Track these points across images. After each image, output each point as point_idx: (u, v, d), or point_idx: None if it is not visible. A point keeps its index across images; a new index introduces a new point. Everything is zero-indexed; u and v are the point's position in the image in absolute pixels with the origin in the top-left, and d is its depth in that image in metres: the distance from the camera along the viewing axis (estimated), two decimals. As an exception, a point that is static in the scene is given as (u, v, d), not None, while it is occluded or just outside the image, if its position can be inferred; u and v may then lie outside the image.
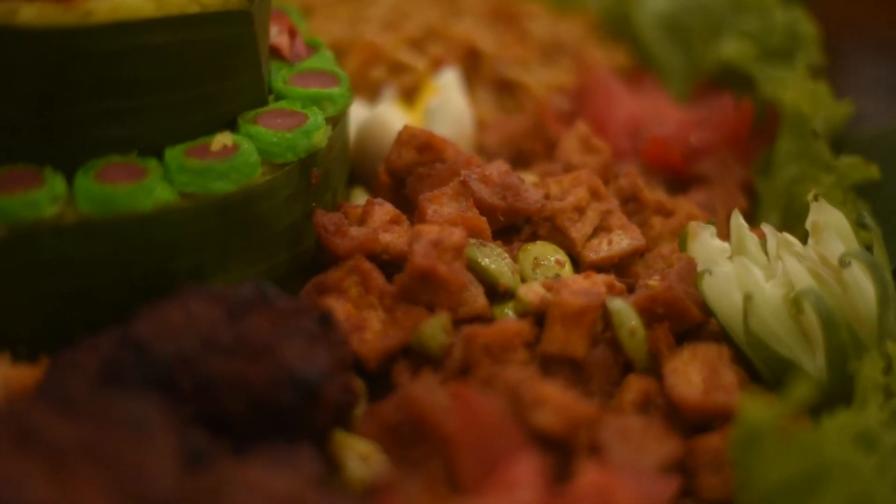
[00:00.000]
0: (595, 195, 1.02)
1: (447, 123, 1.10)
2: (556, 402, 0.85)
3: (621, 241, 1.00)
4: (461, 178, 0.99)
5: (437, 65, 1.21)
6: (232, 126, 0.96)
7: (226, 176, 0.91)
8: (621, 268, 1.01)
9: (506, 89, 1.24)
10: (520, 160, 1.13)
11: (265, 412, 0.84)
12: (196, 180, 0.90)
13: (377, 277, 0.95)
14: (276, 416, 0.84)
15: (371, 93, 1.20)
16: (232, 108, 0.96)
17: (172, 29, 0.90)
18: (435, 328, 0.91)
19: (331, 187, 1.01)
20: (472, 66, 1.23)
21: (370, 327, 0.92)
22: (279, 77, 1.02)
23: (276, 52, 1.06)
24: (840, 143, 1.17)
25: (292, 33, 1.07)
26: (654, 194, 1.08)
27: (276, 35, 1.07)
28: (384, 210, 0.97)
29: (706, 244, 0.97)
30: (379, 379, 0.93)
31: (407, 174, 1.04)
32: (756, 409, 0.77)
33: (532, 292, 0.93)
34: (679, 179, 1.16)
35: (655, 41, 1.34)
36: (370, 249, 0.95)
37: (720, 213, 1.08)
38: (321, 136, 0.97)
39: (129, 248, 0.89)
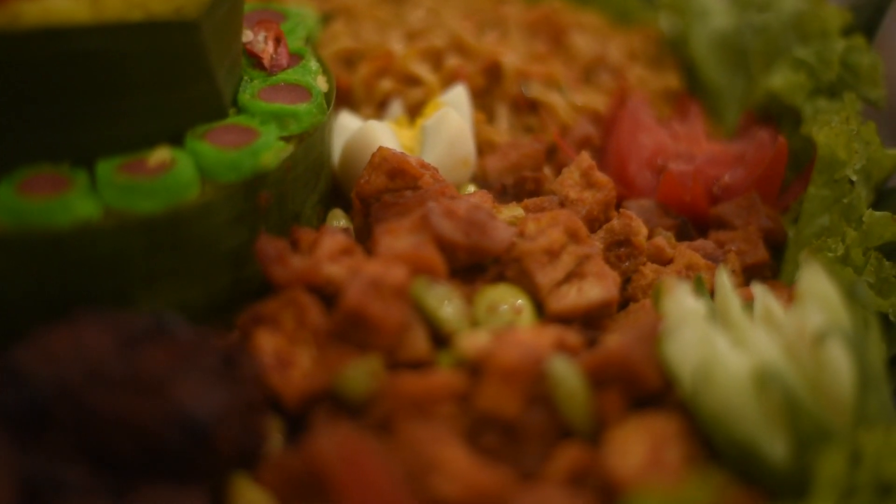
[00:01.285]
0: (574, 237, 0.94)
1: (441, 144, 1.04)
2: (455, 468, 0.78)
3: (591, 290, 0.92)
4: (423, 211, 0.92)
5: (452, 79, 1.14)
6: (178, 140, 0.90)
7: (155, 194, 0.87)
8: (592, 320, 0.92)
9: (530, 110, 1.16)
10: (521, 190, 1.05)
11: (152, 452, 0.80)
12: (122, 197, 0.87)
13: (314, 312, 0.89)
14: (163, 456, 0.80)
15: (379, 105, 1.13)
16: (179, 121, 0.92)
17: (108, 37, 0.87)
18: (358, 373, 0.85)
19: (290, 210, 0.96)
20: (495, 82, 1.15)
21: (299, 365, 0.87)
22: (249, 89, 0.98)
23: (256, 61, 1.01)
24: (885, 195, 1.05)
25: (278, 41, 1.02)
26: (655, 239, 0.99)
27: (260, 42, 1.02)
28: (334, 240, 0.92)
29: (680, 302, 0.87)
30: (302, 420, 0.87)
31: (374, 200, 0.97)
32: (646, 498, 0.69)
33: (471, 341, 0.86)
34: (699, 221, 1.06)
35: (710, 63, 1.24)
36: (311, 281, 0.90)
37: (731, 263, 0.98)
38: (271, 157, 0.92)
39: (44, 264, 0.86)
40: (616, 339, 0.87)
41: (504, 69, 1.15)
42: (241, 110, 0.97)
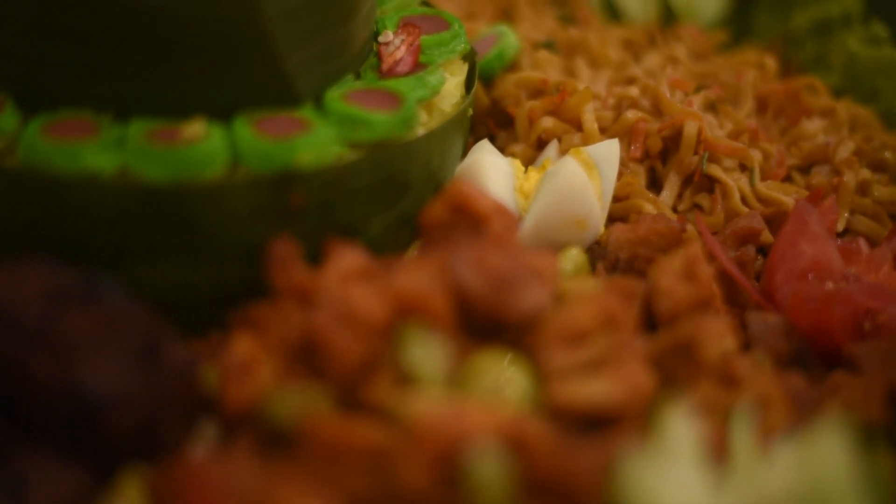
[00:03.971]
0: (610, 325, 0.81)
1: (552, 196, 0.94)
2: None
3: (602, 386, 0.79)
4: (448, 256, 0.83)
5: (628, 133, 1.03)
6: (226, 117, 0.87)
7: (168, 164, 0.85)
8: (601, 421, 0.79)
9: (705, 187, 1.02)
10: (631, 268, 0.93)
11: (44, 415, 0.77)
12: (140, 159, 0.86)
13: (295, 327, 0.82)
14: (52, 423, 0.77)
15: (540, 144, 1.05)
16: (232, 98, 0.89)
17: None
18: (289, 400, 0.79)
19: (340, 220, 0.90)
20: (675, 147, 1.02)
21: (257, 376, 0.81)
22: (345, 87, 0.93)
23: (378, 62, 0.96)
24: None
25: (411, 48, 0.96)
26: (732, 356, 0.83)
27: (394, 45, 0.97)
28: (348, 260, 0.84)
29: (675, 428, 0.73)
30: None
31: (433, 232, 0.89)
32: None
33: (415, 401, 0.76)
34: (833, 357, 0.89)
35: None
36: (305, 295, 0.83)
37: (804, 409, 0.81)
38: (311, 156, 0.86)
39: (46, 206, 0.87)
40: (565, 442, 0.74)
41: (684, 135, 1.01)
42: (320, 106, 0.91)
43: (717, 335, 0.85)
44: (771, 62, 1.18)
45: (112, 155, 0.86)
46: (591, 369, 0.81)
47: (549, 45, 1.16)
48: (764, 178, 1.06)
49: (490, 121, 1.10)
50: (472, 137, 1.10)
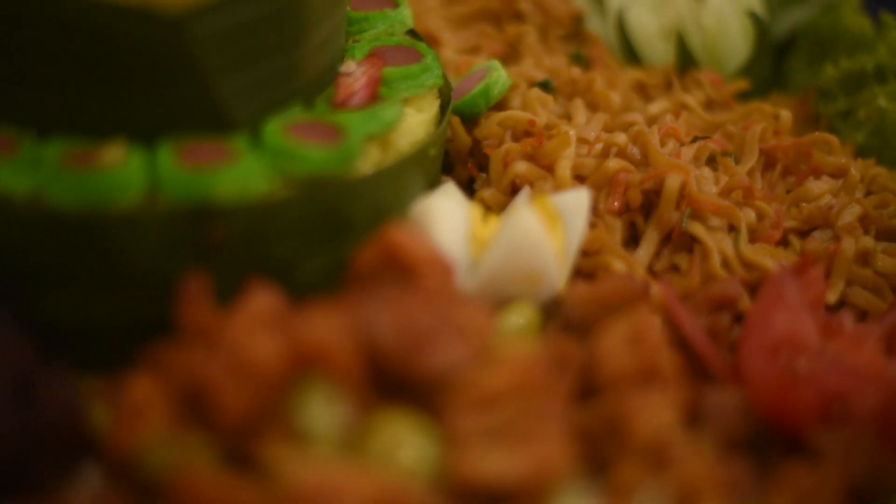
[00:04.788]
0: (529, 390, 0.74)
1: (504, 248, 0.87)
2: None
3: (507, 458, 0.72)
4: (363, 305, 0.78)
5: (608, 184, 0.96)
6: (153, 141, 0.83)
7: (78, 189, 0.80)
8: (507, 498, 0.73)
9: (686, 244, 0.94)
10: (582, 329, 0.85)
11: None
12: (51, 182, 0.81)
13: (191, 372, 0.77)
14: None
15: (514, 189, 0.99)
16: (158, 120, 0.84)
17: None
18: (166, 449, 0.73)
19: (270, 257, 0.85)
20: (656, 200, 0.95)
21: (147, 420, 0.76)
22: (288, 118, 0.88)
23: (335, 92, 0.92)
24: None
25: (372, 81, 0.91)
26: (669, 437, 0.76)
27: (355, 76, 0.92)
28: (259, 303, 0.79)
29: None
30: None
31: (357, 277, 0.83)
32: None
33: (298, 465, 0.70)
34: (786, 441, 0.81)
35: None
36: (209, 337, 0.78)
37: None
38: (233, 189, 0.81)
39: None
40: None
41: (665, 188, 0.94)
42: (256, 136, 0.86)
43: (651, 410, 0.77)
44: (786, 115, 1.09)
45: (26, 176, 0.82)
46: (497, 439, 0.74)
47: (545, 84, 1.09)
48: (756, 240, 0.97)
49: (471, 162, 1.04)
50: (454, 179, 1.03)
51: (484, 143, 1.02)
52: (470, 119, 1.05)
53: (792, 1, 1.28)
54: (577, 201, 0.93)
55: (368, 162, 0.90)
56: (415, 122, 0.94)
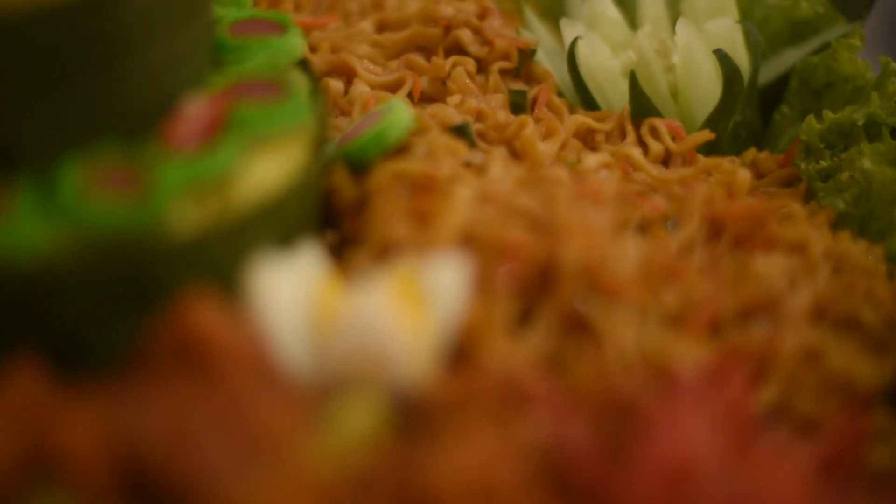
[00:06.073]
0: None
1: (347, 334, 0.73)
2: None
3: None
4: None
5: (493, 250, 0.80)
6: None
7: None
8: None
9: (581, 328, 0.78)
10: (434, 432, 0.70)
11: None
12: None
13: None
14: None
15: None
16: None
17: None
18: None
19: (54, 330, 0.71)
20: (546, 281, 0.79)
21: None
22: (89, 158, 0.74)
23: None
24: None
25: (212, 119, 0.77)
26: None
27: (198, 111, 0.78)
28: (20, 384, 0.66)
29: None
30: None
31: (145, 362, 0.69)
32: None
33: None
34: None
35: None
36: None
37: None
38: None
39: None
40: None
41: (563, 261, 0.78)
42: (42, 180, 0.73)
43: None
44: (743, 175, 0.92)
45: None
46: None
47: (461, 129, 0.93)
48: (677, 325, 0.80)
49: (357, 219, 0.88)
50: (339, 237, 0.89)
51: (373, 199, 0.87)
52: (362, 168, 0.90)
53: (784, 42, 1.11)
54: (454, 272, 0.77)
55: (193, 219, 0.75)
56: (267, 172, 0.79)
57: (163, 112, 0.80)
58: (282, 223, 0.80)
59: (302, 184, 0.81)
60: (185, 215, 0.74)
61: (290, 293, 0.75)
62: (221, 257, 0.76)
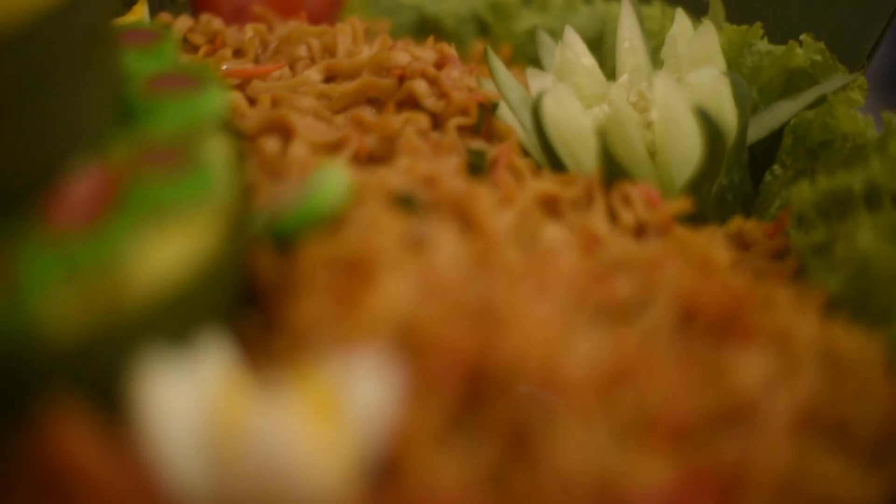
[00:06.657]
0: None
1: (242, 462, 0.62)
2: None
3: None
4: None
5: (423, 350, 0.69)
6: None
7: None
8: None
9: (518, 443, 0.68)
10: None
11: None
12: None
13: None
14: None
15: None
16: None
17: None
18: None
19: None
20: (486, 383, 0.69)
21: None
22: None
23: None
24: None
25: (100, 194, 0.67)
26: None
27: (85, 184, 0.69)
28: None
29: None
30: None
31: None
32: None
33: None
34: None
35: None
36: None
37: None
38: None
39: None
40: None
41: (501, 365, 0.67)
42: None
43: None
44: (721, 255, 0.81)
45: None
46: None
47: (407, 201, 0.83)
48: (634, 435, 0.70)
49: (284, 302, 0.78)
50: (263, 319, 0.78)
51: (296, 283, 0.77)
52: (290, 242, 0.80)
53: (777, 94, 1.00)
54: (380, 375, 0.67)
55: (73, 320, 0.65)
56: (167, 257, 0.69)
57: (41, 183, 0.69)
58: (185, 317, 0.70)
59: (211, 269, 0.71)
60: (62, 314, 0.64)
61: (185, 404, 0.65)
62: (108, 363, 0.65)
